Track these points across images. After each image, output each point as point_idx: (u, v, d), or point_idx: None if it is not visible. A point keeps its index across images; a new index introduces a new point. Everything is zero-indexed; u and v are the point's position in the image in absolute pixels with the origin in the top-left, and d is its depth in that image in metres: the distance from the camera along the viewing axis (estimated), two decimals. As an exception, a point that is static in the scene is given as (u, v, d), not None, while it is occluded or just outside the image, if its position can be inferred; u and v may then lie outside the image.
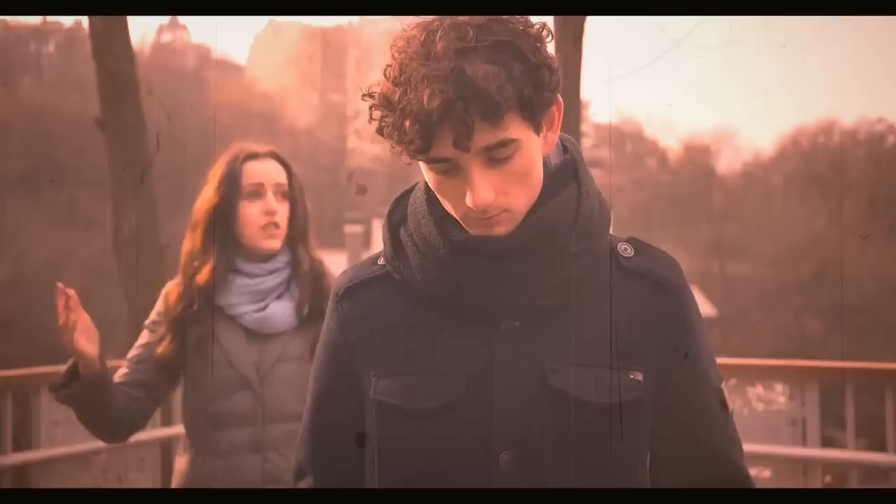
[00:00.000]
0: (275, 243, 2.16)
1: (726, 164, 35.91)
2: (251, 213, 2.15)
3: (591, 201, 1.18)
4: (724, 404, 1.23)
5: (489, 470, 1.13)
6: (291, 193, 2.20)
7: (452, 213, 1.15)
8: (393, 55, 1.09)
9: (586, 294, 1.17)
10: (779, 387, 3.75)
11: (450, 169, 1.10)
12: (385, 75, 1.09)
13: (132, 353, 2.20)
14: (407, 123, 1.06)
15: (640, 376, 1.16)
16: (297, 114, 38.86)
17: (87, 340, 1.93)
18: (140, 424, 2.17)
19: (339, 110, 41.18)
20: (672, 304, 1.20)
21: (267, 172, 2.18)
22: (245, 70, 43.47)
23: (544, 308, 1.15)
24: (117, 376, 2.15)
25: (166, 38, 38.35)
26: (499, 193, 1.10)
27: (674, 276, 1.21)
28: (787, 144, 32.75)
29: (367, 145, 36.87)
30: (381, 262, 1.24)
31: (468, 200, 1.10)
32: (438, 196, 1.15)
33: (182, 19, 38.28)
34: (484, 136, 1.07)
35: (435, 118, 1.04)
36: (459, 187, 1.11)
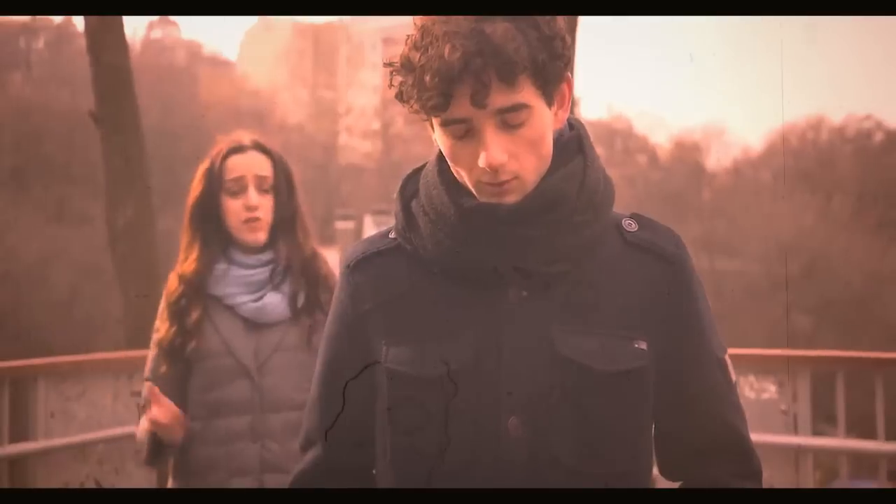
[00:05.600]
0: (259, 236, 2.18)
1: (716, 160, 36.07)
2: (234, 208, 2.17)
3: (597, 174, 1.23)
4: (727, 374, 1.27)
5: (498, 435, 1.17)
6: (276, 184, 2.20)
7: (465, 180, 1.19)
8: (415, 23, 1.14)
9: (592, 264, 1.21)
10: (770, 377, 3.79)
11: (465, 132, 1.15)
12: (406, 43, 1.15)
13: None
14: (427, 78, 1.11)
15: (644, 345, 1.20)
16: (287, 110, 38.77)
17: (178, 428, 2.07)
18: None
19: (330, 107, 41.10)
20: (675, 276, 1.24)
21: (248, 165, 2.19)
22: (236, 66, 43.41)
23: (551, 276, 1.19)
24: None
25: (156, 34, 38.30)
26: (510, 158, 1.15)
27: (676, 249, 1.25)
28: (776, 141, 32.90)
29: (357, 142, 36.87)
30: (392, 235, 1.27)
31: (481, 161, 1.14)
32: (451, 164, 1.19)
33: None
34: (499, 97, 1.12)
35: (455, 72, 1.09)
36: (473, 151, 1.15)
